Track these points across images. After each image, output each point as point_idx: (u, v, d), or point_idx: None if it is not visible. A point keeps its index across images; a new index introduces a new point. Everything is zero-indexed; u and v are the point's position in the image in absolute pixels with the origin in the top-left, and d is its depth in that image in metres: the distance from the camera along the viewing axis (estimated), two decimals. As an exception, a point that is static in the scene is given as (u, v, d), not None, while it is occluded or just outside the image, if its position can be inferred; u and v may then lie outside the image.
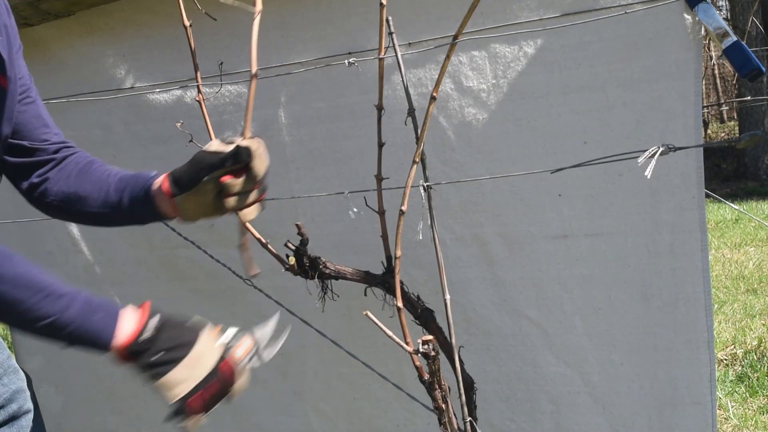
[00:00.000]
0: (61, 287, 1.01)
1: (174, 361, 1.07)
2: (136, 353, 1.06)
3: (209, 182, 1.12)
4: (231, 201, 1.13)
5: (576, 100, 1.58)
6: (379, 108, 1.48)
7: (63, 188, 1.23)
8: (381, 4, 1.36)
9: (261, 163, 1.12)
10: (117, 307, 1.09)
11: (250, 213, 1.17)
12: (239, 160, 1.10)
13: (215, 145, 1.13)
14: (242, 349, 1.16)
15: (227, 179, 1.11)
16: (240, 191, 1.12)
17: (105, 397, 2.14)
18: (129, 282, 2.06)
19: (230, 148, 1.11)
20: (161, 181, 1.17)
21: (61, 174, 1.24)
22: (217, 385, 1.13)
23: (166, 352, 1.07)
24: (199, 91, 1.60)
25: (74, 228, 2.08)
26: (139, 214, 1.23)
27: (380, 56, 1.42)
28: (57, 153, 1.24)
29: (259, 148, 1.11)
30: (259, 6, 1.23)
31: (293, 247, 1.54)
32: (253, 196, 1.14)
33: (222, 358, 1.12)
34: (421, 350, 1.33)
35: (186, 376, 1.08)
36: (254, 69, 1.24)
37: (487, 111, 1.65)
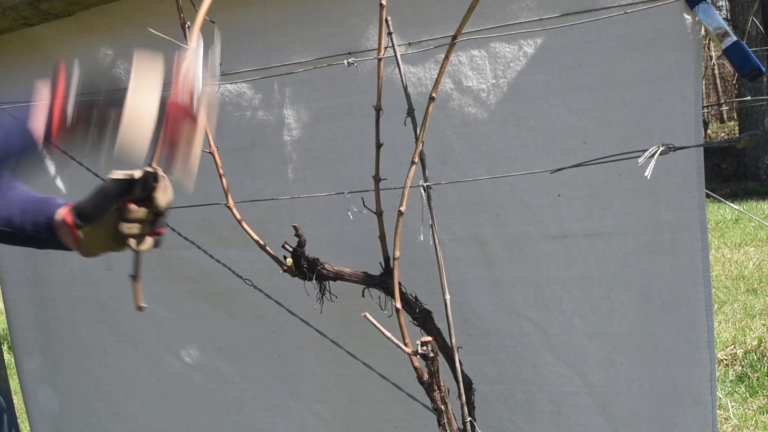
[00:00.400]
0: None
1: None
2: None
3: (111, 211, 1.10)
4: (129, 228, 1.10)
5: (576, 100, 1.58)
6: (378, 108, 1.48)
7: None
8: (381, 4, 1.36)
9: (165, 195, 1.09)
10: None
11: (144, 243, 1.15)
12: (146, 186, 1.07)
13: (120, 174, 1.08)
14: (182, 77, 1.07)
15: (130, 205, 1.08)
16: (140, 219, 1.10)
17: (101, 398, 2.14)
18: (127, 282, 2.05)
19: (137, 175, 1.07)
20: (64, 213, 1.14)
21: None
22: (173, 128, 1.04)
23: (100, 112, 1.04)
24: (198, 91, 1.59)
25: (73, 228, 2.08)
26: (42, 241, 1.19)
27: (379, 56, 1.42)
28: None
29: (165, 180, 1.08)
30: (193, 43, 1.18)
31: (291, 249, 1.54)
32: (151, 227, 1.12)
33: (163, 101, 1.05)
34: (419, 351, 1.33)
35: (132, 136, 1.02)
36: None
37: (486, 111, 1.65)
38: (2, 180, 1.19)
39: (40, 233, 1.17)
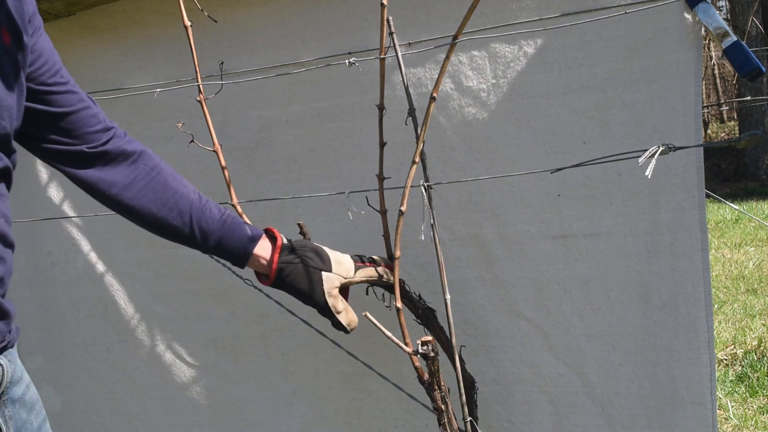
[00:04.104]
0: None
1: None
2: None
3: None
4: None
5: (576, 100, 1.58)
6: (381, 108, 1.49)
7: (136, 201, 1.23)
8: (382, 4, 1.36)
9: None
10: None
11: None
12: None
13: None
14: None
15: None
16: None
17: (104, 397, 2.14)
18: (129, 282, 2.06)
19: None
20: (268, 259, 1.33)
21: (121, 172, 1.22)
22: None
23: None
24: (200, 91, 1.60)
25: (74, 228, 2.08)
26: (217, 255, 1.32)
27: (381, 56, 1.42)
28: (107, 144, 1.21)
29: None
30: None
31: (294, 247, 1.54)
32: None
33: None
34: (420, 351, 1.34)
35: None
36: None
37: (486, 111, 1.65)
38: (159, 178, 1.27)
39: (222, 254, 1.31)
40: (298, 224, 1.53)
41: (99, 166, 1.20)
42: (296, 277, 1.33)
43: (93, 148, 1.18)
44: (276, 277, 1.33)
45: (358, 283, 1.43)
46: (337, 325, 1.40)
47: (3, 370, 1.03)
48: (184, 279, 2.00)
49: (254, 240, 1.30)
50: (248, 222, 1.37)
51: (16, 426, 1.06)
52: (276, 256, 1.31)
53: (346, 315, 1.40)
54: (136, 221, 1.26)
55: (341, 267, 1.39)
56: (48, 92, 1.12)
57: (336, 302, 1.37)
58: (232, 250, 1.29)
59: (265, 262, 1.32)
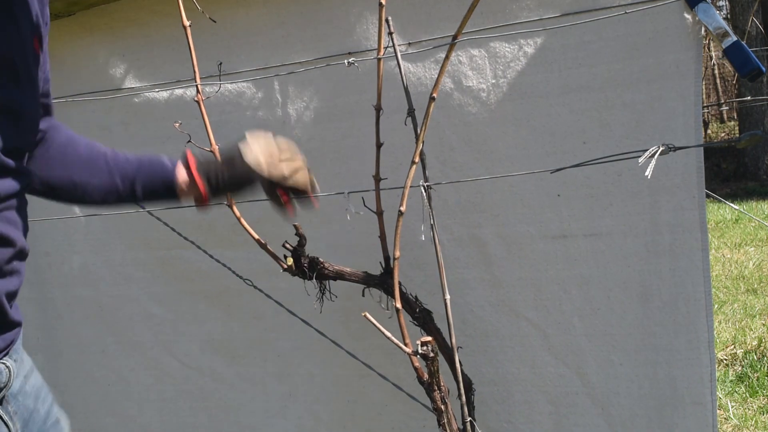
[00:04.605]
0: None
1: None
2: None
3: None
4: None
5: (575, 100, 1.58)
6: (378, 108, 1.48)
7: (50, 175, 1.18)
8: (380, 4, 1.36)
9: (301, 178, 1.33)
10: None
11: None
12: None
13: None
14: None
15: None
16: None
17: (100, 398, 2.14)
18: (126, 283, 2.06)
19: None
20: (188, 180, 1.25)
21: (44, 158, 1.17)
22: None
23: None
24: (198, 91, 1.59)
25: (71, 229, 2.07)
26: (153, 201, 1.27)
27: (379, 56, 1.42)
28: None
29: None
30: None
31: (291, 248, 1.54)
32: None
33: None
34: (420, 351, 1.33)
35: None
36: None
37: (486, 111, 1.65)
38: (70, 144, 1.24)
39: (152, 196, 1.26)
40: (294, 225, 1.52)
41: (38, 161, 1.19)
42: (222, 173, 1.26)
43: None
44: (209, 189, 1.26)
45: (281, 177, 1.32)
46: (276, 199, 1.33)
47: (9, 372, 1.02)
48: (180, 280, 2.00)
49: (173, 166, 1.26)
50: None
51: (23, 419, 1.05)
52: (194, 170, 1.25)
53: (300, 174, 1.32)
54: (62, 198, 1.23)
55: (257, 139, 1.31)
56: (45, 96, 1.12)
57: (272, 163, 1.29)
58: (158, 187, 1.24)
59: (187, 181, 1.25)
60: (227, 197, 1.45)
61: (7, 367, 1.02)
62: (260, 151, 1.28)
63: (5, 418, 1.02)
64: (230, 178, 1.27)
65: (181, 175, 1.24)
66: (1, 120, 0.93)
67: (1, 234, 0.95)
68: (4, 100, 0.93)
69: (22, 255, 1.01)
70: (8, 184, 0.97)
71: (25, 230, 1.03)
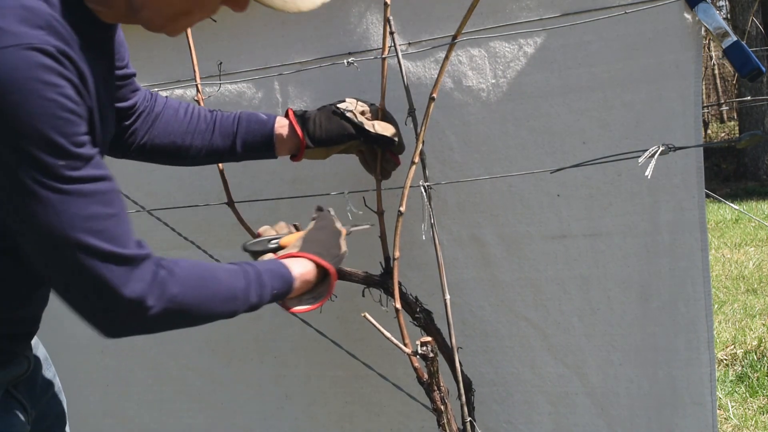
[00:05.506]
0: (240, 283, 1.10)
1: None
2: None
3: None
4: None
5: (575, 100, 1.58)
6: (382, 108, 1.48)
7: (153, 142, 1.28)
8: (385, 3, 1.36)
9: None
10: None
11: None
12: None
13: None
14: None
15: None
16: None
17: (98, 399, 2.14)
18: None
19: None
20: (287, 131, 1.35)
21: (150, 125, 1.28)
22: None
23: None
24: (198, 91, 1.60)
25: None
26: (251, 156, 1.37)
27: (383, 56, 1.42)
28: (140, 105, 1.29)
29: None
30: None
31: (292, 248, 1.54)
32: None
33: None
34: (419, 352, 1.33)
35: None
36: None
37: (486, 111, 1.65)
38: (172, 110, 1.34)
39: (252, 152, 1.36)
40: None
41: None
42: (320, 122, 1.38)
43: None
44: (307, 137, 1.37)
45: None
46: (379, 138, 1.45)
47: (28, 363, 1.13)
48: (181, 280, 1.99)
49: (271, 119, 1.35)
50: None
51: (30, 395, 1.14)
52: (293, 119, 1.36)
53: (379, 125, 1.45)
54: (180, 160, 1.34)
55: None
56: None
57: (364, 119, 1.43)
58: (257, 141, 1.34)
59: (286, 132, 1.36)
60: (322, 152, 1.49)
61: (28, 358, 1.15)
62: (353, 106, 1.40)
63: (21, 398, 1.13)
64: (327, 129, 1.37)
65: (280, 126, 1.34)
66: None
67: None
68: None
69: None
70: None
71: None
